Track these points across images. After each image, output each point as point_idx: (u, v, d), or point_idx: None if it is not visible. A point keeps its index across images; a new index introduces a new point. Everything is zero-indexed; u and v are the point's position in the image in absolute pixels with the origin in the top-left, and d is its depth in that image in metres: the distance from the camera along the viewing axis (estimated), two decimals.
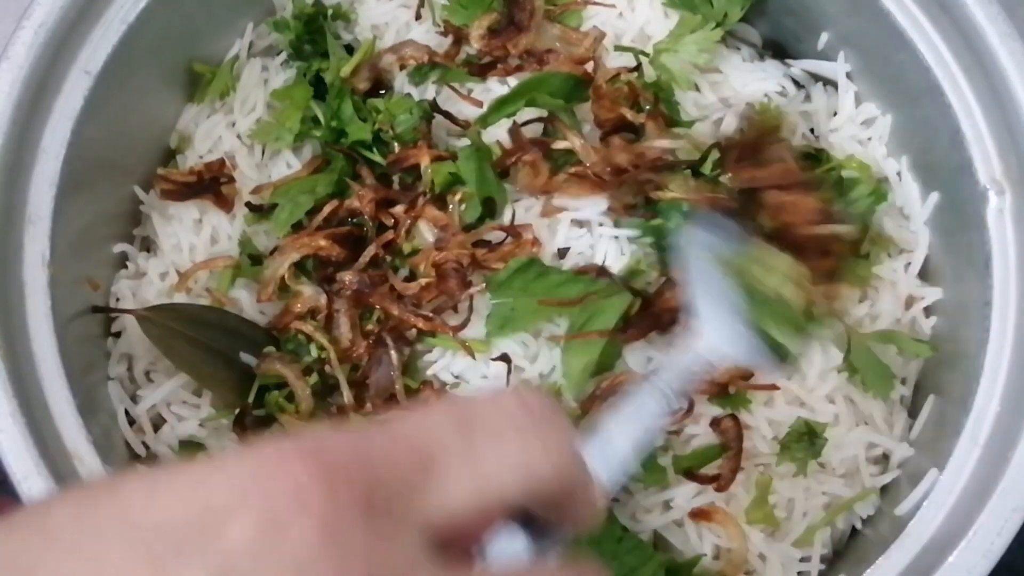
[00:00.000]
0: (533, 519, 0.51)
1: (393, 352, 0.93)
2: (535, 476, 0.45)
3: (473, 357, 0.94)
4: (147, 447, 0.99)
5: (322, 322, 0.96)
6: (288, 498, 0.38)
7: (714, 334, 0.79)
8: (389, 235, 0.97)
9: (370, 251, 0.97)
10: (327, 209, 0.99)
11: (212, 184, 1.02)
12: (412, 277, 0.97)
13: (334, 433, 0.43)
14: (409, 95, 1.04)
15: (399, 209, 0.98)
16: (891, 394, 0.98)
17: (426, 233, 0.98)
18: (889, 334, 0.98)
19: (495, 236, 0.98)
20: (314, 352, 0.95)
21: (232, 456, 0.41)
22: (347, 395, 0.93)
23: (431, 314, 0.94)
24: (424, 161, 0.99)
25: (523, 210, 0.99)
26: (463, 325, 0.94)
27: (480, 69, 1.04)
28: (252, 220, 1.03)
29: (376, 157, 1.02)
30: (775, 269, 0.85)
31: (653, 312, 0.93)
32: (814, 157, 1.02)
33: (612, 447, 0.67)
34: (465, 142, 1.01)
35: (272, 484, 0.38)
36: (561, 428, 0.47)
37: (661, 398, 0.73)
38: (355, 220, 0.99)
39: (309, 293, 0.97)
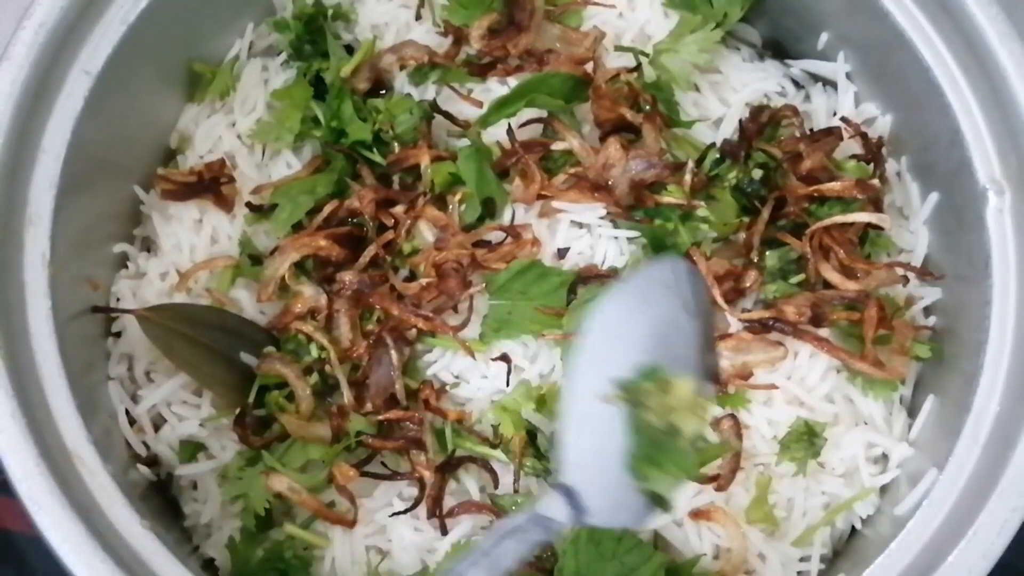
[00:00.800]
0: None
1: (393, 352, 0.93)
2: None
3: (473, 357, 0.95)
4: (147, 447, 0.99)
5: (322, 322, 0.96)
6: None
7: (582, 496, 0.73)
8: (389, 235, 0.98)
9: (370, 251, 0.97)
10: (327, 209, 0.99)
11: (212, 184, 1.02)
12: (412, 277, 0.97)
13: None
14: (409, 95, 1.04)
15: (399, 209, 0.99)
16: (892, 395, 0.99)
17: (426, 233, 0.98)
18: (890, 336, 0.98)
19: (495, 236, 0.98)
20: (314, 352, 0.95)
21: None
22: (347, 395, 0.93)
23: (431, 314, 0.94)
24: (424, 161, 0.99)
25: (523, 210, 0.99)
26: (463, 325, 0.94)
27: (480, 69, 1.04)
28: (252, 220, 1.03)
29: (376, 157, 1.02)
30: (678, 398, 0.77)
31: None
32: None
33: None
34: (465, 142, 1.01)
35: None
36: None
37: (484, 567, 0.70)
38: (355, 220, 0.99)
39: (309, 293, 0.97)
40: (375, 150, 1.02)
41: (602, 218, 0.98)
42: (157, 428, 0.99)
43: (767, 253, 0.98)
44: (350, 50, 1.08)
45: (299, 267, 0.98)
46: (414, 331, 0.95)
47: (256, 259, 1.01)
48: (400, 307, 0.94)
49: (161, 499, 1.00)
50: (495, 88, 1.04)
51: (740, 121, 1.02)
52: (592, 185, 0.98)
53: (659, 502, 0.78)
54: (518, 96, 1.00)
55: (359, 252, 0.97)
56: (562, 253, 0.98)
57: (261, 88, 1.08)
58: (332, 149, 1.01)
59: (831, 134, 1.01)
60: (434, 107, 1.02)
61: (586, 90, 1.01)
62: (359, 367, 0.94)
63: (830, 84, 1.10)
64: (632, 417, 0.76)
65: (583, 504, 0.73)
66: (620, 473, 0.74)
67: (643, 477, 0.75)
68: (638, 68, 1.03)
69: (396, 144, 1.02)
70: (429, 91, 1.06)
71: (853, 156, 1.03)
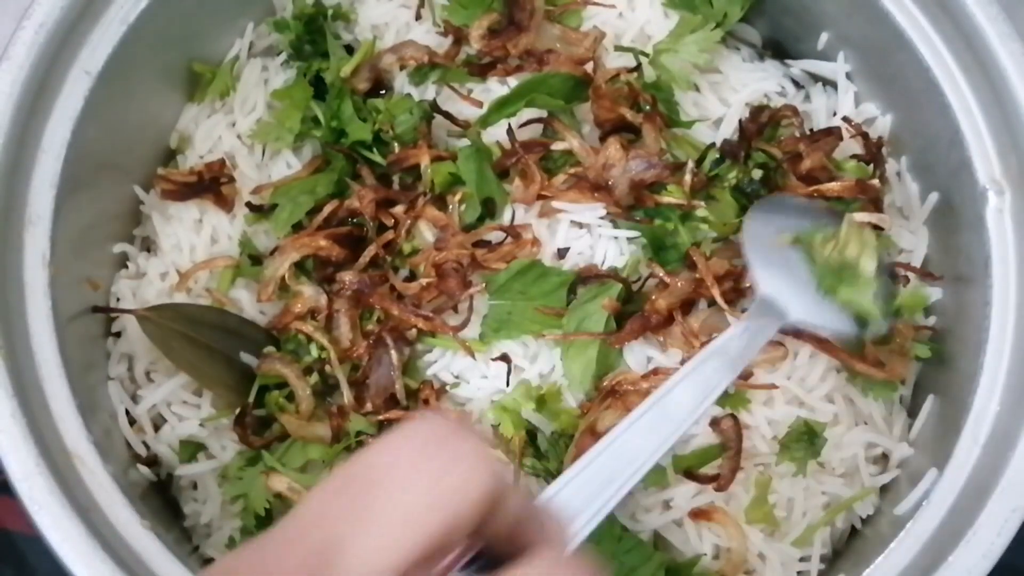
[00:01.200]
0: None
1: (393, 352, 0.93)
2: (453, 513, 0.44)
3: (473, 357, 0.95)
4: (147, 447, 0.99)
5: (322, 322, 0.96)
6: None
7: (782, 301, 0.81)
8: (389, 235, 0.98)
9: (370, 251, 0.97)
10: (327, 209, 0.99)
11: (212, 184, 1.02)
12: (412, 277, 0.97)
13: (234, 558, 0.44)
14: (409, 95, 1.04)
15: (399, 209, 0.99)
16: (892, 395, 0.99)
17: (426, 233, 0.98)
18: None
19: (495, 236, 0.98)
20: (314, 352, 0.95)
21: None
22: (347, 395, 0.93)
23: (431, 314, 0.94)
24: (424, 161, 0.99)
25: (523, 211, 0.99)
26: (463, 325, 0.94)
27: (480, 69, 1.04)
28: (252, 220, 1.03)
29: (376, 157, 1.02)
30: (846, 237, 0.88)
31: (644, 314, 0.94)
32: None
33: (672, 407, 0.71)
34: (465, 142, 1.01)
35: None
36: (468, 451, 0.45)
37: (727, 360, 0.77)
38: (355, 220, 0.99)
39: (309, 293, 0.97)
40: (375, 150, 1.02)
41: (602, 218, 0.98)
42: (157, 428, 0.99)
43: None
44: (350, 50, 1.08)
45: (299, 267, 0.98)
46: (414, 331, 0.95)
47: (256, 259, 1.01)
48: (400, 307, 0.94)
49: (161, 499, 1.00)
50: (495, 88, 1.04)
51: (740, 121, 1.02)
52: (592, 185, 0.98)
53: (860, 316, 0.85)
54: (518, 96, 1.00)
55: (359, 252, 0.97)
56: (562, 253, 0.98)
57: (261, 88, 1.08)
58: (332, 149, 1.01)
59: (831, 134, 1.01)
60: (434, 107, 1.02)
61: (586, 90, 1.01)
62: (359, 367, 0.94)
63: (830, 84, 1.10)
64: (809, 256, 0.86)
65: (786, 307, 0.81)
66: (813, 293, 0.84)
67: (834, 292, 0.84)
68: (638, 68, 1.03)
69: (396, 144, 1.02)
70: (429, 91, 1.06)
71: (853, 156, 1.03)
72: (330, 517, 0.43)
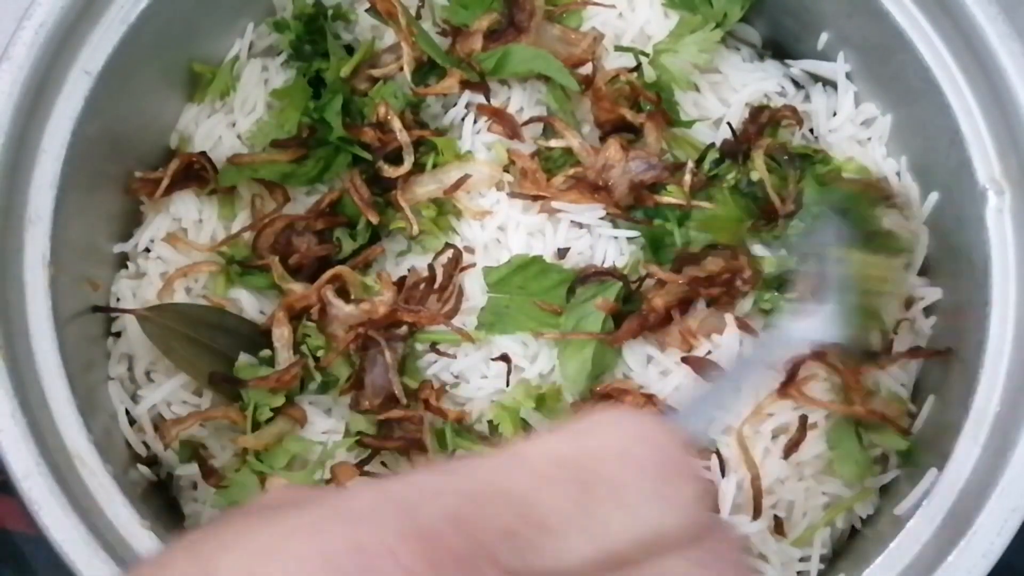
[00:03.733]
0: None
1: (386, 351, 0.92)
2: (664, 538, 0.40)
3: (472, 341, 0.94)
4: (147, 447, 0.99)
5: (316, 315, 0.96)
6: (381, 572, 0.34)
7: (823, 318, 0.80)
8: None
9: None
10: (327, 199, 0.99)
11: (189, 172, 1.00)
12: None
13: (434, 488, 0.37)
14: (393, 80, 1.03)
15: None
16: (863, 482, 0.97)
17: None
18: (878, 426, 0.97)
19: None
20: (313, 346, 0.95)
21: (328, 512, 0.36)
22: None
23: (417, 307, 0.94)
24: (404, 138, 0.98)
25: (522, 210, 0.99)
26: (452, 313, 0.94)
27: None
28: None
29: (363, 153, 1.01)
30: (885, 274, 0.91)
31: (642, 314, 0.94)
32: (810, 158, 1.02)
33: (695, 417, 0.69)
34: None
35: (361, 559, 0.34)
36: (691, 481, 0.41)
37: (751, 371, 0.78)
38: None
39: (299, 291, 0.96)
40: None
41: (602, 218, 0.98)
42: (157, 428, 0.99)
43: (766, 260, 0.98)
44: (350, 50, 1.07)
45: (286, 267, 0.98)
46: (405, 328, 0.95)
47: (245, 264, 1.00)
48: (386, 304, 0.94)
49: (161, 499, 1.00)
50: (494, 88, 1.04)
51: (729, 124, 1.02)
52: (592, 186, 0.98)
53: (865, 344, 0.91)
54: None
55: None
56: (562, 253, 0.98)
57: (261, 88, 1.07)
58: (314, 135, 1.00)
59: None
60: (415, 93, 1.01)
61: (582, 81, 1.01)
62: (355, 364, 0.94)
63: (830, 84, 1.10)
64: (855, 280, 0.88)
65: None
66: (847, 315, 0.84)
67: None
68: (638, 68, 1.03)
69: (379, 130, 1.00)
70: None
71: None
72: (551, 504, 0.39)
